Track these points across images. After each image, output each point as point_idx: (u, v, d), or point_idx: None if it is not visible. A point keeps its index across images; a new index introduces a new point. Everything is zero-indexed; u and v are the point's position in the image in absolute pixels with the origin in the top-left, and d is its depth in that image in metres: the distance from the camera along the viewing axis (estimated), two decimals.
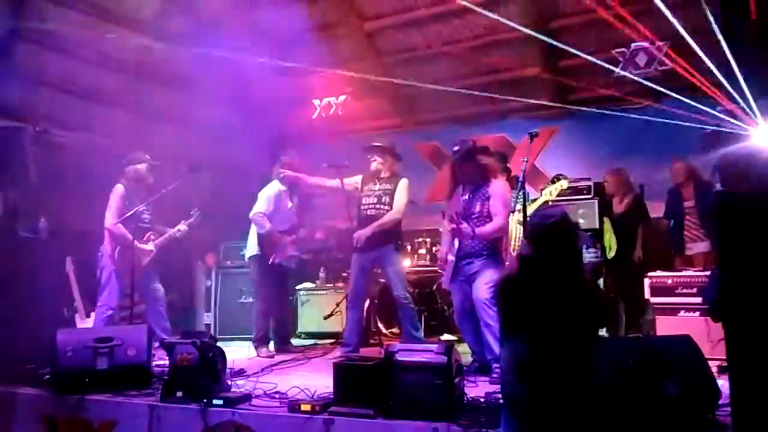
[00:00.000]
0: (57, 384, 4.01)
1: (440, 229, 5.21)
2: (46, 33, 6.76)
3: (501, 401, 2.72)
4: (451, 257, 4.51)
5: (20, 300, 4.68)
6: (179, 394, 3.73)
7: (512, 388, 2.59)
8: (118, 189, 5.40)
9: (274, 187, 5.89)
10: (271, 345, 5.88)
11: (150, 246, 5.49)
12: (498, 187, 4.54)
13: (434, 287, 6.51)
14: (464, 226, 4.29)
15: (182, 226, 5.66)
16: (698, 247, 5.99)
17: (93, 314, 5.84)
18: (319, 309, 6.85)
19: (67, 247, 5.68)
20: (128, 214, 5.27)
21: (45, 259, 5.20)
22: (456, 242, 4.48)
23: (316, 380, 3.92)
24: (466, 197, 4.59)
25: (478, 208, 4.46)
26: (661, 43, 6.69)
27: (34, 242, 5.22)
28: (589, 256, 5.33)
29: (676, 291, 5.00)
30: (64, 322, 5.43)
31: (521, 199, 4.40)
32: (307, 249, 6.31)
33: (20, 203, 5.21)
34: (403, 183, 5.38)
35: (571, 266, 2.65)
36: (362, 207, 5.42)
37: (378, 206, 5.33)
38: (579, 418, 2.45)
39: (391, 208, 5.30)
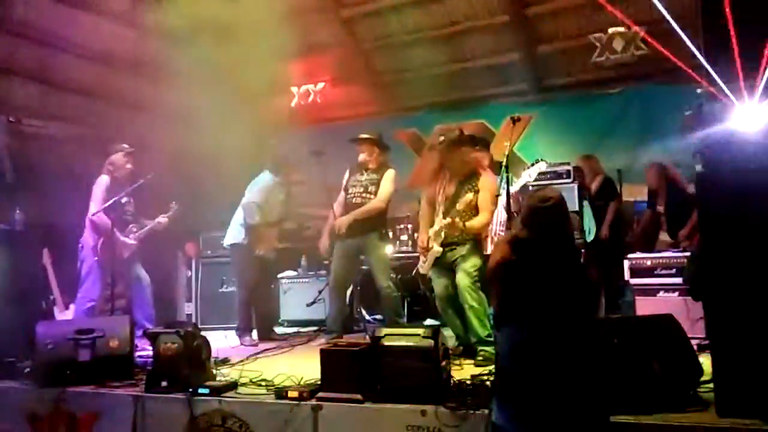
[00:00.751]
0: (38, 377, 3.95)
1: (418, 214, 5.16)
2: (18, 22, 6.62)
3: (494, 385, 2.71)
4: (437, 247, 4.50)
5: None
6: (164, 384, 3.69)
7: (511, 373, 2.56)
8: (102, 179, 5.34)
9: (267, 178, 5.87)
10: (255, 333, 5.85)
11: (131, 239, 5.43)
12: (487, 181, 4.56)
13: (413, 272, 6.52)
14: (456, 221, 4.29)
15: (162, 219, 5.61)
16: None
17: (72, 306, 5.77)
18: (301, 297, 6.84)
19: (44, 238, 5.59)
20: (108, 203, 5.20)
21: (21, 250, 5.09)
22: (442, 233, 4.48)
23: (301, 367, 3.92)
24: (453, 187, 4.59)
25: (465, 199, 4.44)
26: (637, 28, 6.74)
27: (10, 234, 5.10)
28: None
29: (656, 272, 5.07)
30: (42, 314, 5.35)
31: (505, 185, 4.42)
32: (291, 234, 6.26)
33: None
34: (390, 174, 5.39)
35: (568, 249, 2.66)
36: (348, 196, 5.43)
37: (364, 195, 5.33)
38: (579, 400, 2.45)
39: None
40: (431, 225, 4.65)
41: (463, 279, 4.36)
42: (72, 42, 7.12)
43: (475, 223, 4.41)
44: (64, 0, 7.03)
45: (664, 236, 6.22)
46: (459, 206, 4.39)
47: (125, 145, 5.53)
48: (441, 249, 4.48)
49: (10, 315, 4.52)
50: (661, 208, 6.21)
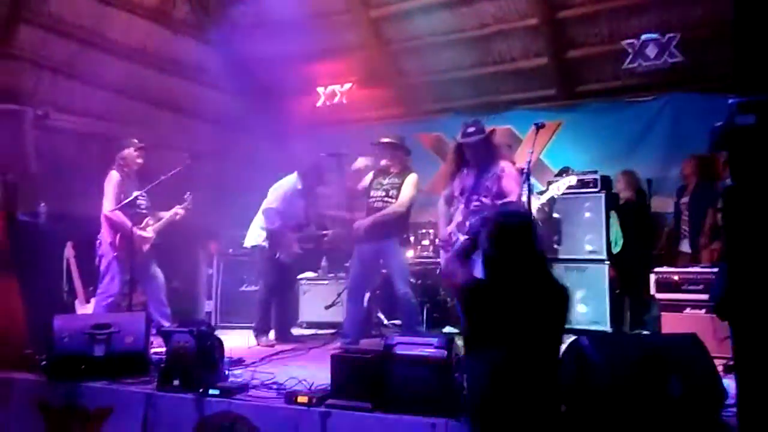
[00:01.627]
0: (52, 370, 3.97)
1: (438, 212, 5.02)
2: (50, 16, 6.71)
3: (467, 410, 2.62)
4: (461, 236, 4.39)
5: (19, 284, 4.62)
6: (176, 382, 3.67)
7: (486, 398, 2.47)
8: (113, 176, 5.32)
9: (291, 182, 5.85)
10: (272, 334, 5.84)
11: (149, 232, 5.43)
12: (509, 166, 4.50)
13: (437, 272, 6.43)
14: (485, 200, 4.24)
15: (178, 210, 5.58)
16: (684, 245, 5.98)
17: (93, 300, 5.81)
18: (320, 299, 6.80)
19: (68, 231, 5.64)
20: (126, 201, 5.21)
21: (44, 243, 5.15)
22: (467, 223, 4.38)
23: (314, 371, 3.87)
24: (472, 178, 4.52)
25: (489, 186, 4.38)
26: (671, 35, 6.57)
27: (34, 226, 5.17)
28: None
29: (683, 287, 4.91)
30: (63, 307, 5.40)
31: (526, 192, 4.32)
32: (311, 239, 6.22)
33: (19, 187, 5.15)
34: (411, 178, 5.33)
35: (538, 264, 2.57)
36: (370, 200, 5.39)
37: (385, 199, 5.29)
38: (552, 420, 2.41)
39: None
40: (450, 221, 4.56)
41: None
42: (104, 37, 7.20)
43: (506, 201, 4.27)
44: None
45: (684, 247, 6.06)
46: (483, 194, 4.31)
47: (135, 140, 5.51)
48: (466, 237, 4.33)
49: (31, 307, 4.56)
50: (684, 200, 6.02)
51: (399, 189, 5.29)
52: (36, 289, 4.76)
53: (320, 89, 8.63)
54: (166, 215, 5.56)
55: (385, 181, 5.38)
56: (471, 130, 4.52)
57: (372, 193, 5.40)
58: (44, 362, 4.10)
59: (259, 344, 5.52)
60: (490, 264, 2.56)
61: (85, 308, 5.81)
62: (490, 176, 4.41)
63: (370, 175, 5.51)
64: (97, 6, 7.11)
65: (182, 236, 6.23)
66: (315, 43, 8.02)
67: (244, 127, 8.40)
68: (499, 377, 2.43)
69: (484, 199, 4.33)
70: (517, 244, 2.52)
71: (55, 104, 6.72)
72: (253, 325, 5.79)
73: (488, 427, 2.47)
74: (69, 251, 5.87)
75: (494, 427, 2.45)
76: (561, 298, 2.54)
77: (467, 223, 4.40)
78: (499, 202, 4.25)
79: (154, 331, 4.68)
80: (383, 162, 5.40)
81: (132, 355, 4.07)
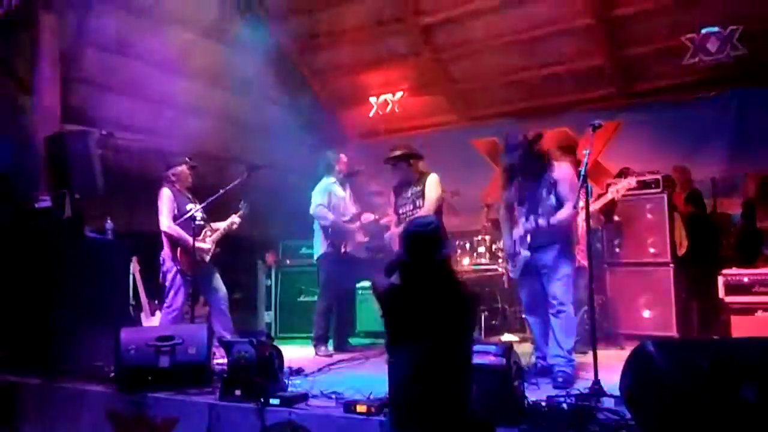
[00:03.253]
0: (121, 381, 4.11)
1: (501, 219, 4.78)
2: (113, 40, 6.99)
3: (388, 410, 2.77)
4: (524, 252, 4.29)
5: (88, 299, 4.82)
6: (237, 392, 3.74)
7: (401, 396, 2.62)
8: (165, 193, 5.42)
9: (324, 181, 5.97)
10: (331, 344, 5.88)
11: (208, 243, 5.49)
12: (563, 170, 4.25)
13: (505, 281, 6.31)
14: (541, 221, 4.13)
15: (235, 219, 5.61)
16: None
17: (158, 313, 5.99)
18: (377, 308, 6.81)
19: (133, 247, 5.83)
20: (184, 217, 5.32)
21: (111, 259, 5.35)
22: (528, 236, 4.28)
23: (373, 380, 3.87)
24: (527, 189, 4.34)
25: (544, 195, 4.21)
26: (734, 27, 6.31)
27: (101, 243, 5.37)
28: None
29: (753, 289, 4.71)
30: (130, 320, 5.58)
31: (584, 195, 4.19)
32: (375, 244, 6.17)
33: (87, 205, 5.37)
34: (432, 179, 5.28)
35: (448, 269, 2.78)
36: (401, 215, 5.39)
37: (414, 211, 5.25)
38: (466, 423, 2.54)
39: None
40: (512, 228, 4.46)
41: (551, 289, 4.16)
42: (165, 57, 7.44)
43: (561, 215, 4.11)
44: (156, 17, 7.38)
45: None
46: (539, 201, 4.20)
47: (187, 158, 5.63)
48: (529, 253, 4.26)
49: (100, 321, 4.73)
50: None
51: (423, 196, 5.26)
52: (104, 303, 4.95)
53: (372, 99, 8.67)
54: (222, 225, 5.61)
55: (409, 193, 5.36)
56: (511, 144, 4.34)
57: (401, 210, 5.40)
58: (113, 373, 4.26)
59: (317, 354, 5.56)
60: (402, 269, 2.73)
61: (150, 321, 6.00)
62: (544, 184, 4.24)
63: (392, 194, 5.53)
64: (157, 26, 7.36)
65: (241, 248, 6.36)
66: (367, 53, 8.09)
67: (300, 139, 8.53)
68: (408, 376, 2.59)
69: (540, 217, 4.17)
70: (423, 251, 2.70)
71: (120, 123, 6.99)
72: (312, 335, 5.84)
73: (401, 425, 2.60)
74: (135, 266, 6.07)
75: (406, 425, 2.58)
76: (465, 303, 2.71)
77: (528, 238, 4.27)
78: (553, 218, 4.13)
79: (216, 342, 4.77)
80: (399, 174, 5.40)
81: (195, 366, 4.16)
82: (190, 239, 5.25)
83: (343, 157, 6.04)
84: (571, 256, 4.27)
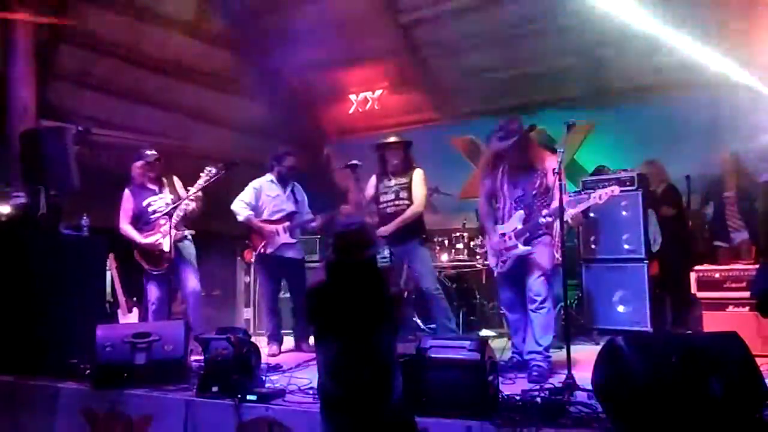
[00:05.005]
0: (97, 378, 4.08)
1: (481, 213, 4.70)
2: (90, 36, 6.93)
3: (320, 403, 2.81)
4: (522, 246, 4.19)
5: (63, 296, 4.77)
6: (215, 389, 3.74)
7: (327, 390, 2.71)
8: (125, 194, 5.41)
9: (260, 179, 5.74)
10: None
11: (158, 235, 5.29)
12: (552, 162, 4.17)
13: (483, 277, 6.34)
14: (544, 213, 4.11)
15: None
16: (741, 236, 5.87)
17: (135, 310, 5.96)
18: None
19: (110, 243, 5.78)
20: (174, 211, 5.26)
21: (87, 255, 5.30)
22: (519, 224, 4.23)
23: None
24: (516, 176, 4.32)
25: (537, 184, 4.23)
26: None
27: (76, 239, 5.32)
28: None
29: (724, 285, 4.79)
30: (106, 317, 5.54)
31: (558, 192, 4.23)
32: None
33: (63, 201, 5.32)
34: (419, 174, 5.28)
35: (372, 268, 2.82)
36: (381, 205, 5.33)
37: (397, 203, 5.24)
38: (389, 415, 2.63)
39: (411, 202, 5.21)
40: (496, 222, 4.40)
41: (531, 285, 4.17)
42: (141, 53, 7.40)
43: (555, 207, 4.04)
44: (132, 13, 7.33)
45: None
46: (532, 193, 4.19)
47: (148, 152, 5.47)
48: (528, 248, 4.18)
49: (75, 318, 4.70)
50: (728, 193, 5.91)
51: (408, 189, 5.23)
52: (79, 300, 4.91)
53: (352, 96, 8.69)
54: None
55: (392, 183, 5.30)
56: (506, 130, 4.25)
57: (382, 198, 5.33)
58: (88, 371, 4.23)
59: (268, 354, 5.23)
60: (327, 267, 2.83)
61: (127, 318, 5.97)
62: (536, 176, 4.23)
63: (374, 180, 5.43)
64: (133, 23, 7.31)
65: (219, 245, 6.32)
66: (345, 51, 8.10)
67: (279, 136, 8.51)
68: (334, 372, 2.67)
69: (533, 208, 4.17)
70: (349, 250, 2.77)
71: (96, 120, 6.94)
72: (291, 330, 5.80)
73: (329, 415, 2.68)
74: (111, 263, 6.03)
75: (332, 415, 2.67)
76: (385, 302, 2.78)
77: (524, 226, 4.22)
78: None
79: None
80: (394, 161, 5.29)
81: (172, 363, 4.16)
82: (137, 237, 5.27)
83: (292, 159, 5.72)
84: (552, 251, 4.32)
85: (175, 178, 5.63)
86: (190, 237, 5.51)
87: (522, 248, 4.20)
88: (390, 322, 2.78)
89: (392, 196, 5.28)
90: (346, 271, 2.76)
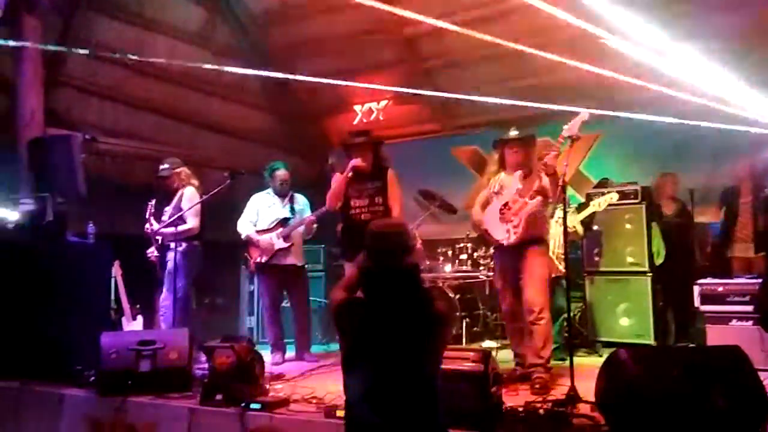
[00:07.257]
0: (101, 385, 4.11)
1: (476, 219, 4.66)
2: (97, 45, 6.99)
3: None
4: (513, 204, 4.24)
5: (69, 303, 4.80)
6: (218, 397, 3.76)
7: (360, 417, 2.35)
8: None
9: (261, 192, 5.90)
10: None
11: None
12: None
13: (487, 288, 6.34)
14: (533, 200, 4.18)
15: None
16: (739, 249, 5.68)
17: (140, 317, 5.98)
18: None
19: (115, 251, 5.81)
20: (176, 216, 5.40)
21: (93, 262, 5.33)
22: (519, 183, 4.27)
23: None
24: (516, 181, 4.38)
25: (536, 187, 4.25)
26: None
27: (83, 246, 5.35)
28: None
29: (728, 299, 4.79)
30: (111, 324, 5.56)
31: (562, 205, 4.28)
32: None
33: (69, 208, 5.36)
34: (393, 175, 4.90)
35: (414, 278, 2.44)
36: (353, 210, 4.88)
37: (371, 208, 4.83)
38: None
39: (386, 207, 4.83)
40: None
41: (529, 294, 4.18)
42: (148, 62, 7.45)
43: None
44: (140, 23, 7.40)
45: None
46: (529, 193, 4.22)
47: (161, 167, 5.66)
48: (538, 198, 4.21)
49: (80, 325, 4.71)
50: (744, 200, 5.70)
51: (384, 193, 4.85)
52: (85, 307, 4.93)
53: (357, 107, 8.74)
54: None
55: (367, 185, 4.87)
56: (513, 133, 4.45)
57: (352, 202, 4.88)
58: (93, 377, 4.25)
59: (271, 362, 5.20)
60: (365, 276, 2.45)
61: (131, 325, 5.97)
62: (535, 176, 4.27)
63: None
64: (140, 33, 7.38)
65: (223, 253, 6.34)
66: (351, 62, 8.15)
67: (284, 146, 8.57)
68: (375, 398, 2.31)
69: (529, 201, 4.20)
70: (389, 255, 2.39)
71: (103, 128, 6.99)
72: (293, 340, 5.82)
73: None
74: (117, 270, 6.05)
75: None
76: (434, 317, 2.41)
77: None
78: None
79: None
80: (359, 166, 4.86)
81: (176, 371, 4.18)
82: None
83: (280, 173, 5.75)
84: (546, 260, 4.34)
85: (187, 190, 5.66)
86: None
87: (532, 201, 4.20)
88: (436, 342, 2.43)
89: (366, 201, 4.86)
90: (386, 280, 2.38)
